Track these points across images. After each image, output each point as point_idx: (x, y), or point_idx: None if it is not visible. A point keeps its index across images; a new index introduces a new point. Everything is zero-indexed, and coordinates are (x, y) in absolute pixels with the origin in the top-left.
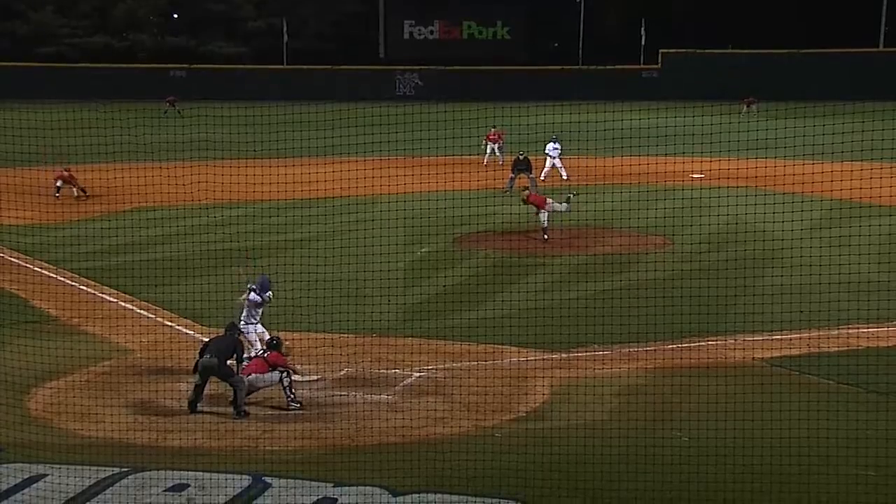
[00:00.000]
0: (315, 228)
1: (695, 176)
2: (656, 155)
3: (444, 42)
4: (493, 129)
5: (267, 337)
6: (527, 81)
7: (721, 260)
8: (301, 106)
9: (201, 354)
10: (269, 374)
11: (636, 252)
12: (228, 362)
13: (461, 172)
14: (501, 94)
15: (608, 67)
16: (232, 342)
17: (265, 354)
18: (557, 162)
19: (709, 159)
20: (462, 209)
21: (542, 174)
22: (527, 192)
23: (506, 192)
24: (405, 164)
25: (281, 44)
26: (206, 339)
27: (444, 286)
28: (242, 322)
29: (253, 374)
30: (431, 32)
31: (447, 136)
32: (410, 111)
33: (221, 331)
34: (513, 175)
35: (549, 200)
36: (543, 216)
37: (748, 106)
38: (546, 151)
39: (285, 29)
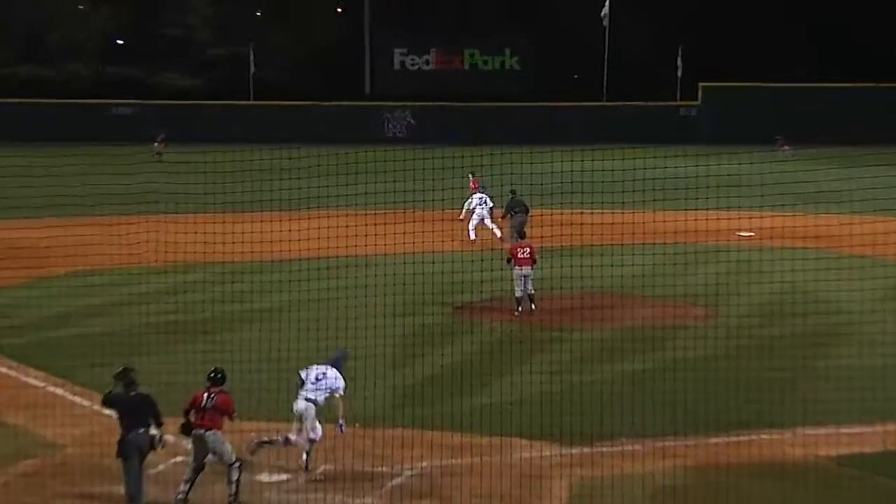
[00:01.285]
0: (286, 297)
1: (743, 234)
2: (696, 209)
3: (441, 73)
4: (471, 177)
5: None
6: (540, 120)
7: (775, 336)
8: (270, 149)
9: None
10: (223, 443)
11: (672, 325)
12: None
13: (462, 230)
14: (510, 136)
15: (638, 104)
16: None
17: (213, 398)
18: (487, 220)
19: (759, 214)
20: (463, 273)
21: (471, 233)
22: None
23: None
24: (395, 220)
25: (247, 75)
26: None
27: (442, 366)
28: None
29: (212, 431)
30: (427, 62)
31: (444, 187)
32: (401, 156)
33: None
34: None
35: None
36: (520, 279)
37: (781, 148)
38: (469, 206)
39: (252, 58)
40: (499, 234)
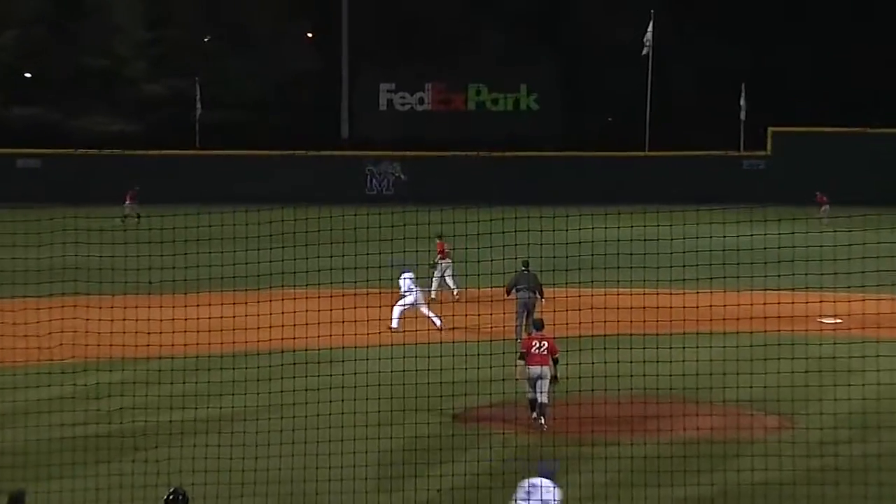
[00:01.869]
0: (239, 402)
1: (827, 321)
2: (765, 289)
3: (439, 115)
4: (438, 240)
5: None
6: (566, 174)
7: (870, 455)
8: (221, 211)
9: None
10: None
11: (736, 439)
12: None
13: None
14: (527, 194)
15: (689, 153)
16: None
17: None
18: (423, 306)
19: (848, 296)
20: (464, 369)
21: (394, 321)
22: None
23: (519, 339)
24: (378, 301)
25: (191, 118)
26: None
27: (440, 490)
28: None
29: None
30: (421, 101)
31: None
32: (388, 220)
33: None
34: (518, 314)
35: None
36: (535, 381)
37: (822, 206)
38: (403, 283)
39: (199, 96)
40: (438, 323)
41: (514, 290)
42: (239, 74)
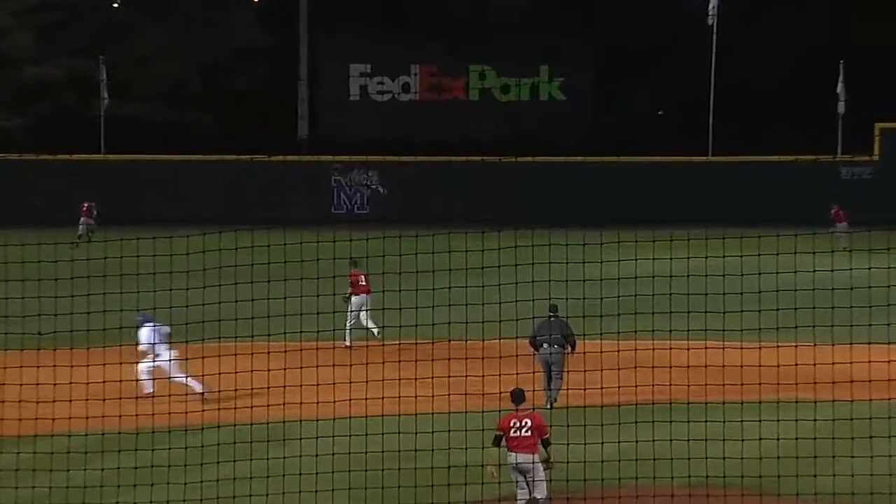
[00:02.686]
0: (159, 495)
1: None
2: (870, 341)
3: (430, 108)
4: (354, 270)
5: None
6: (601, 187)
7: None
8: (132, 238)
9: None
10: None
11: None
12: None
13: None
14: (549, 213)
15: (767, 160)
16: None
17: None
18: (166, 362)
19: None
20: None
21: (146, 389)
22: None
23: (550, 406)
24: (349, 357)
25: (95, 111)
26: None
27: None
28: None
29: None
30: (405, 88)
31: (425, 303)
32: (360, 248)
33: None
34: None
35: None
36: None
37: (835, 223)
38: (140, 343)
39: (104, 81)
40: (198, 389)
41: (536, 344)
42: (159, 53)
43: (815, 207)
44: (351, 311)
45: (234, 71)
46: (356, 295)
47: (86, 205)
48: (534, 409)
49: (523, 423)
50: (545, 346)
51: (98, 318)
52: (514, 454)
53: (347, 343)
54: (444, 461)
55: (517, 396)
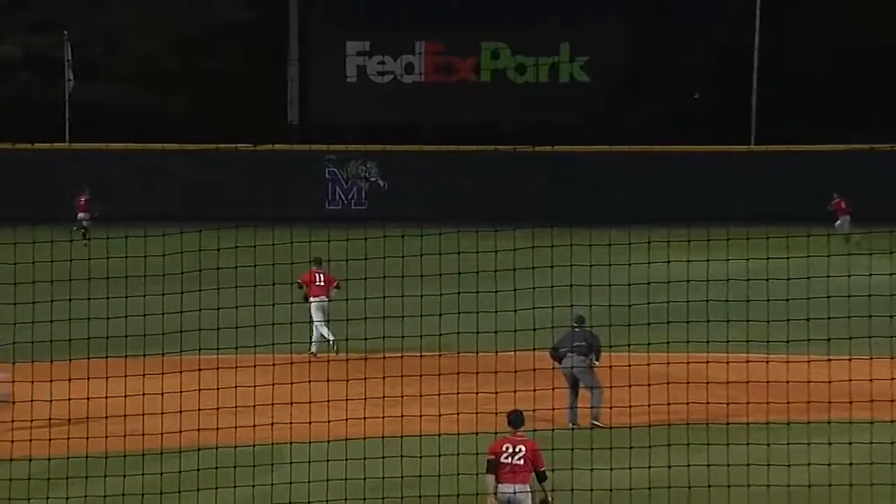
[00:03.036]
0: None
1: None
2: None
3: (437, 91)
4: (313, 268)
5: None
6: (629, 180)
7: None
8: (102, 238)
9: None
10: None
11: None
12: None
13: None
14: (572, 210)
15: (822, 149)
16: None
17: None
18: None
19: None
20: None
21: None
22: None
23: (573, 426)
24: (345, 371)
25: (59, 93)
26: None
27: None
28: None
29: None
30: (409, 69)
31: (433, 310)
32: (358, 249)
33: None
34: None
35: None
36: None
37: (839, 213)
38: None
39: (69, 60)
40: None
41: (558, 356)
42: (130, 28)
43: (874, 204)
44: (315, 321)
45: (215, 49)
46: (315, 297)
47: (83, 198)
48: (550, 430)
49: (517, 449)
50: (568, 357)
51: (62, 328)
52: (503, 485)
53: (313, 350)
54: (451, 488)
55: (514, 420)
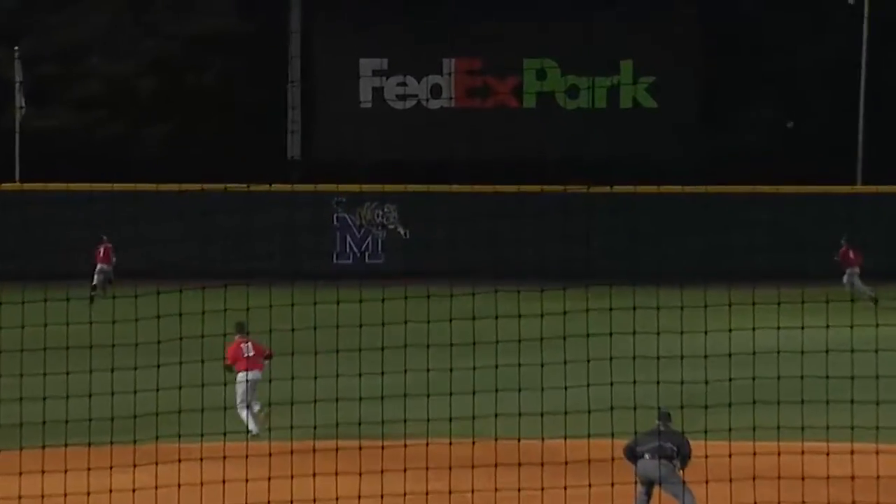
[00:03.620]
0: None
1: None
2: None
3: (470, 118)
4: (238, 338)
5: None
6: (708, 224)
7: None
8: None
9: None
10: None
11: None
12: None
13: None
14: (632, 260)
15: None
16: None
17: None
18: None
19: None
20: None
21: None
22: None
23: None
24: (365, 465)
25: (9, 123)
26: None
27: None
28: None
29: None
30: (436, 92)
31: (483, 387)
32: (373, 313)
33: None
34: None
35: None
36: None
37: (846, 265)
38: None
39: (20, 79)
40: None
41: (634, 456)
42: (96, 42)
43: None
44: (238, 399)
45: (199, 68)
46: (242, 372)
47: (102, 247)
48: None
49: None
50: (647, 455)
51: (11, 409)
52: None
53: (252, 429)
54: None
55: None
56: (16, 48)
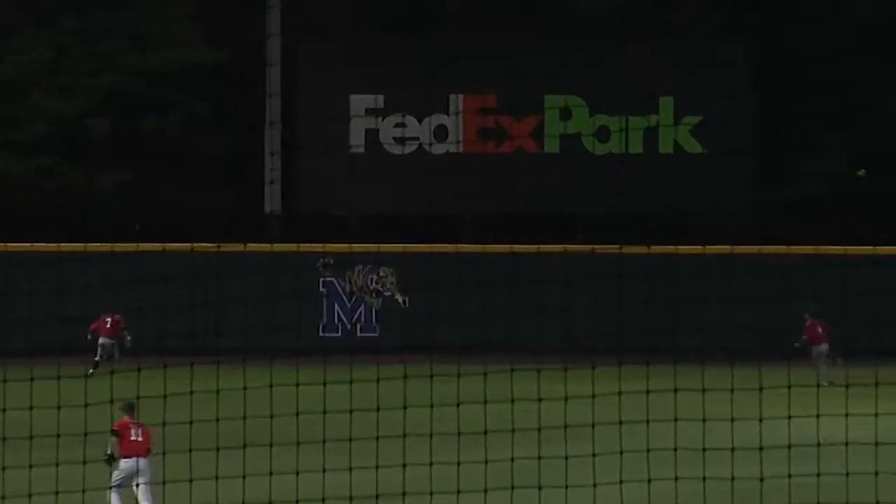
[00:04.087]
0: None
1: None
2: None
3: (479, 164)
4: (126, 417)
5: None
6: (768, 291)
7: None
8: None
9: None
10: None
11: None
12: None
13: None
14: (675, 333)
15: None
16: None
17: None
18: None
19: None
20: None
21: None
22: None
23: None
24: None
25: None
26: None
27: None
28: None
29: None
30: (440, 134)
31: (496, 484)
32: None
33: None
34: None
35: None
36: None
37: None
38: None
39: None
40: None
41: None
42: (43, 75)
43: None
44: (114, 482)
45: (162, 107)
46: (126, 458)
47: (109, 319)
48: None
49: None
50: None
51: None
52: None
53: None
54: None
55: None
56: None
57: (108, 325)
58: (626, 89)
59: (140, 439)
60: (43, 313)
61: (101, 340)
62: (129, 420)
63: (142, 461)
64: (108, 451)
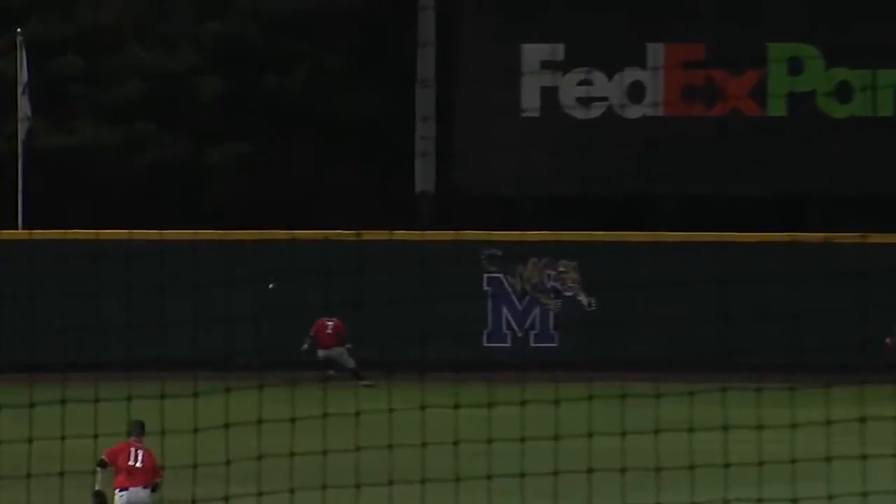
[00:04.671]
0: None
1: None
2: None
3: (685, 131)
4: (132, 440)
5: None
6: None
7: None
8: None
9: None
10: None
11: None
12: None
13: None
14: None
15: None
16: None
17: None
18: None
19: None
20: None
21: None
22: None
23: None
24: None
25: (12, 150)
26: None
27: None
28: None
29: None
30: (635, 93)
31: None
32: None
33: None
34: None
35: None
36: None
37: None
38: None
39: (26, 79)
40: None
41: None
42: (147, 21)
43: None
44: None
45: (287, 62)
46: (121, 490)
47: (330, 324)
48: None
49: None
50: None
51: None
52: None
53: None
54: None
55: None
56: (18, 31)
57: (329, 332)
58: (872, 37)
59: (140, 465)
60: (141, 317)
61: (321, 353)
62: (131, 443)
63: (142, 493)
64: (96, 488)
